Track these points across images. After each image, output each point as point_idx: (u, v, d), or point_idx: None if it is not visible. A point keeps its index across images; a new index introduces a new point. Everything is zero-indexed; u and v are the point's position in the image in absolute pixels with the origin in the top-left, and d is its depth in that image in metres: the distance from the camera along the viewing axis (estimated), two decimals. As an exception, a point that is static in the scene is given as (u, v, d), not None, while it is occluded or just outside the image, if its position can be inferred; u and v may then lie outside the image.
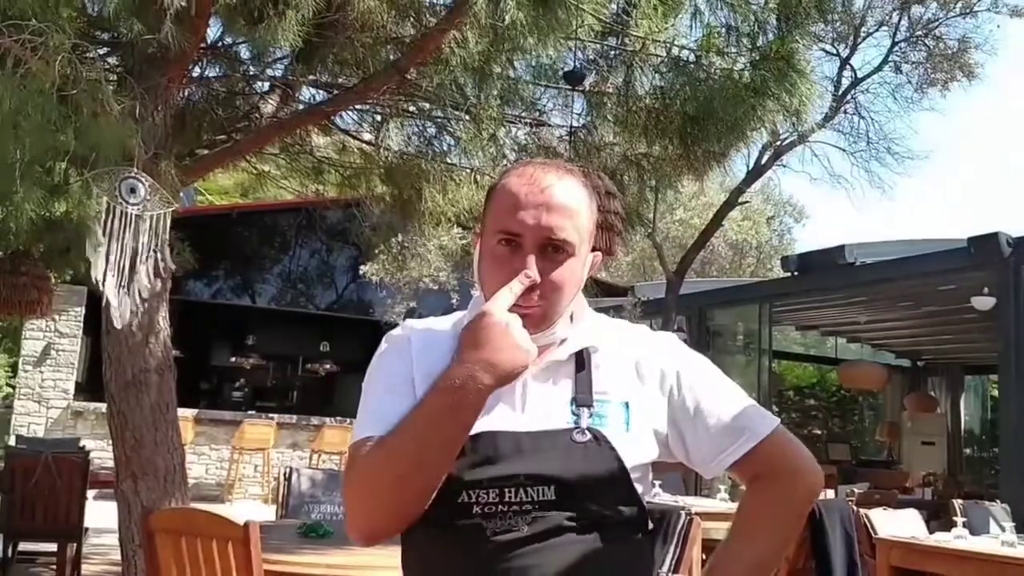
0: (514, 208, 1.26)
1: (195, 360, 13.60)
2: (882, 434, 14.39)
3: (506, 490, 1.20)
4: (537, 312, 1.25)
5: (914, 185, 47.47)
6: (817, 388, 16.99)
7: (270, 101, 5.21)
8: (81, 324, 12.45)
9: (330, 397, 16.66)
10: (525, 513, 1.19)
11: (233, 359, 15.87)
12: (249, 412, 13.46)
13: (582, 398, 1.27)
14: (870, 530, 4.83)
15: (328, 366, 16.33)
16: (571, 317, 1.34)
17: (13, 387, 14.44)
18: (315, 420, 13.13)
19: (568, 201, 1.28)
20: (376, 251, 11.53)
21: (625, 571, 1.25)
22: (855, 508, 5.50)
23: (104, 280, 4.02)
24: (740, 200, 11.75)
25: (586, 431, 1.23)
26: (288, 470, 4.52)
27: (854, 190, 17.41)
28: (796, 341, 14.99)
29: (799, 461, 1.31)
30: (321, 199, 7.20)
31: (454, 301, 13.73)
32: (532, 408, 1.27)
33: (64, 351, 12.42)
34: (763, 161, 11.63)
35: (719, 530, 5.88)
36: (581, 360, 1.31)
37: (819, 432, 15.72)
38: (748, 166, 11.75)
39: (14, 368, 16.64)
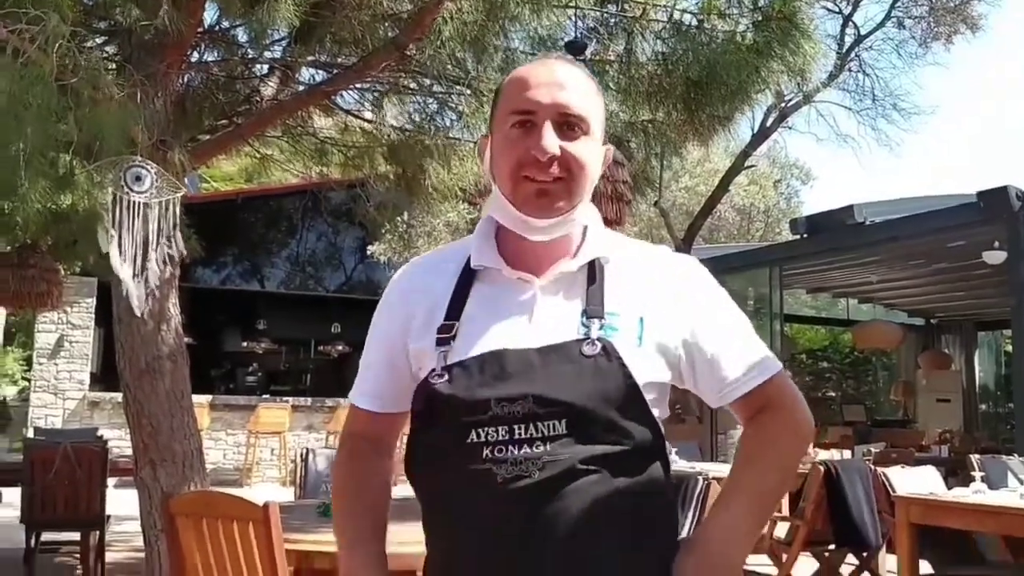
0: (525, 88, 1.23)
1: (207, 347, 13.65)
2: (897, 394, 14.38)
3: (515, 427, 1.14)
4: (557, 186, 1.22)
5: (921, 141, 47.09)
6: (830, 350, 16.98)
7: (270, 84, 5.19)
8: (93, 315, 12.50)
9: (343, 378, 16.66)
10: (536, 458, 1.13)
11: (245, 344, 15.94)
12: (263, 396, 13.54)
13: (593, 310, 1.21)
14: (888, 488, 4.82)
15: (340, 347, 16.38)
16: (584, 230, 1.29)
17: (29, 380, 14.54)
18: (329, 402, 13.20)
19: (580, 83, 1.26)
20: (383, 231, 11.52)
21: (643, 511, 1.19)
22: (872, 467, 5.50)
23: (121, 270, 4.03)
24: (746, 164, 11.71)
25: (596, 342, 1.17)
26: (305, 451, 4.54)
27: (861, 149, 17.36)
28: (807, 304, 14.95)
29: (799, 403, 1.30)
30: (326, 181, 7.19)
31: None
32: (541, 322, 1.22)
33: (77, 343, 12.49)
34: (768, 124, 11.56)
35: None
36: (593, 272, 1.26)
37: (833, 394, 15.74)
38: (753, 129, 11.69)
39: (29, 361, 16.75)
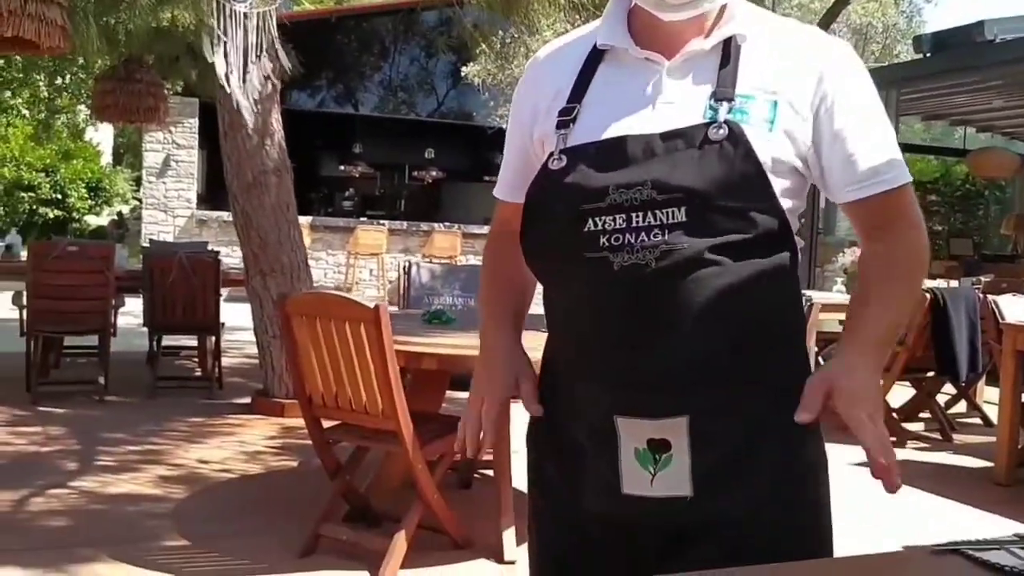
0: None
1: (306, 170, 13.90)
2: (1008, 228, 13.75)
3: (633, 214, 1.09)
4: None
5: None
6: (940, 183, 16.24)
7: None
8: (196, 136, 12.81)
9: (437, 203, 16.90)
10: (653, 246, 1.08)
11: (342, 168, 16.15)
12: (361, 220, 13.83)
13: (722, 92, 1.12)
14: (997, 315, 4.69)
15: (434, 173, 16.46)
16: (722, 9, 1.18)
17: (139, 200, 15.17)
18: (424, 226, 13.41)
19: None
20: (477, 51, 11.25)
21: (766, 303, 1.13)
22: (981, 295, 5.33)
23: (228, 80, 4.06)
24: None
25: (723, 126, 1.09)
26: (408, 263, 4.64)
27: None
28: (918, 133, 14.20)
29: (922, 223, 1.22)
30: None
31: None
32: (666, 106, 1.14)
33: (183, 162, 12.87)
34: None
35: (833, 321, 5.84)
36: (727, 53, 1.15)
37: (939, 228, 15.16)
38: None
39: (138, 182, 17.44)
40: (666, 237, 1.08)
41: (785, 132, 1.13)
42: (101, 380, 5.43)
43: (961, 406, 5.95)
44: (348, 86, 15.96)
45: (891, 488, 1.07)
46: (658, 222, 1.08)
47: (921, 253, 1.21)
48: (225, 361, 6.22)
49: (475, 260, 12.95)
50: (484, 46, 10.77)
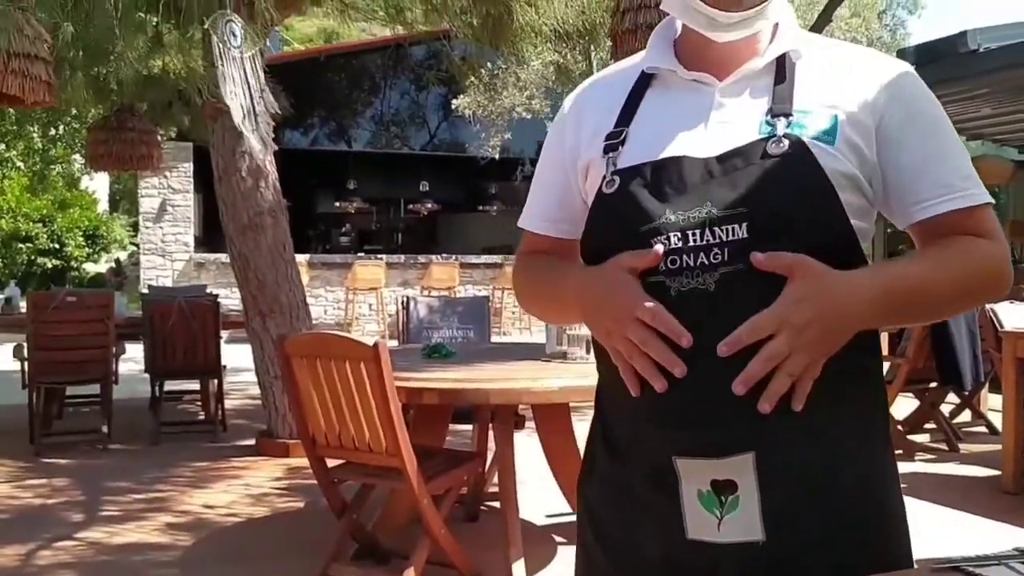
0: None
1: (301, 208, 13.97)
2: (1005, 233, 13.82)
3: (690, 232, 1.02)
4: None
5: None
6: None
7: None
8: (191, 180, 12.88)
9: (434, 235, 16.97)
10: (712, 268, 1.01)
11: (337, 204, 16.24)
12: (359, 254, 13.87)
13: (779, 108, 1.06)
14: (996, 324, 4.70)
15: (429, 205, 16.55)
16: (775, 28, 1.13)
17: (136, 245, 15.21)
18: (422, 258, 13.45)
19: None
20: (467, 83, 11.35)
21: None
22: (979, 304, 5.34)
23: (243, 123, 4.10)
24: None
25: (783, 139, 1.02)
26: (405, 298, 4.65)
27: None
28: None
29: (1003, 240, 1.09)
30: (408, 33, 7.05)
31: (549, 128, 13.50)
32: (720, 127, 1.08)
33: (179, 206, 12.93)
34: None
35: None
36: (782, 69, 1.10)
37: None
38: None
39: (135, 227, 17.48)
40: (726, 258, 1.01)
41: (848, 146, 1.05)
42: (104, 429, 5.43)
43: (966, 415, 5.95)
44: (340, 123, 16.07)
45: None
46: (717, 240, 1.01)
47: (995, 260, 1.08)
48: (228, 403, 6.21)
49: (473, 290, 12.97)
50: (473, 78, 10.87)
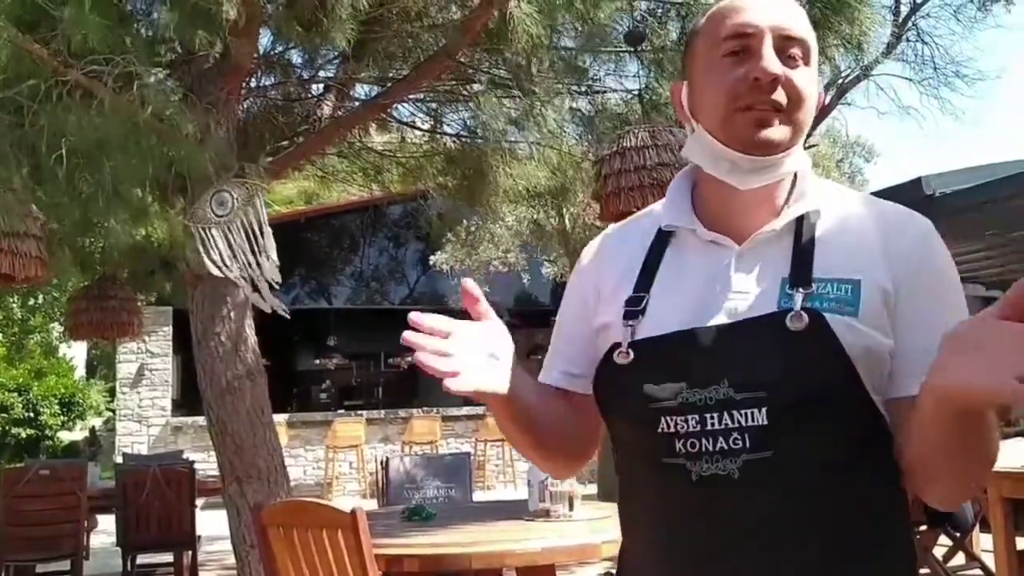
0: (738, 12, 1.08)
1: (281, 367, 13.93)
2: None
3: (707, 416, 1.00)
4: (780, 117, 1.05)
5: (990, 108, 45.57)
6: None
7: (327, 103, 5.30)
8: (170, 343, 12.86)
9: (415, 389, 16.87)
10: (734, 454, 0.99)
11: (317, 362, 16.22)
12: (338, 412, 13.75)
13: (798, 276, 1.03)
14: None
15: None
16: (793, 181, 1.11)
17: (113, 410, 15.02)
18: (403, 413, 13.34)
19: (796, 6, 1.10)
20: (444, 239, 11.63)
21: (858, 514, 1.01)
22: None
23: (260, 290, 4.19)
24: (807, 145, 11.46)
25: (802, 314, 0.99)
26: (385, 459, 4.61)
27: (925, 120, 16.86)
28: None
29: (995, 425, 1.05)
30: (386, 194, 7.29)
31: (525, 281, 13.80)
32: (738, 294, 1.05)
33: (157, 370, 12.86)
34: (827, 101, 11.35)
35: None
36: (800, 233, 1.07)
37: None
38: (811, 109, 11.48)
39: (112, 392, 17.30)
40: (747, 444, 0.98)
41: (871, 318, 1.02)
42: (73, 608, 5.21)
43: (960, 558, 5.83)
44: (321, 281, 16.29)
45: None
46: (736, 425, 0.99)
47: (995, 452, 1.03)
48: (203, 575, 5.99)
49: (456, 444, 12.81)
50: (450, 234, 11.15)
